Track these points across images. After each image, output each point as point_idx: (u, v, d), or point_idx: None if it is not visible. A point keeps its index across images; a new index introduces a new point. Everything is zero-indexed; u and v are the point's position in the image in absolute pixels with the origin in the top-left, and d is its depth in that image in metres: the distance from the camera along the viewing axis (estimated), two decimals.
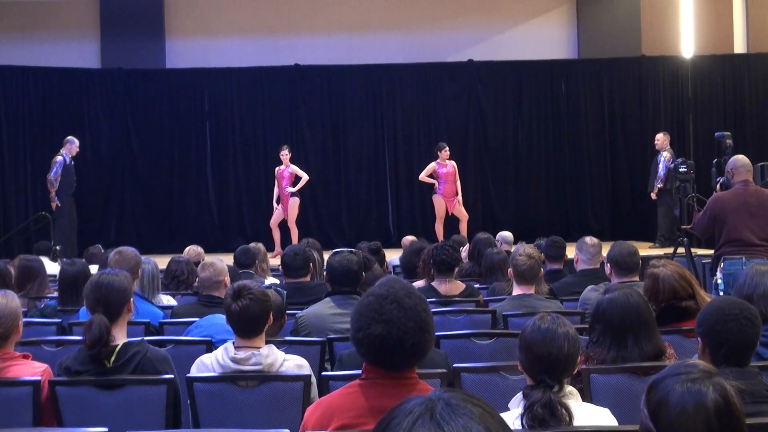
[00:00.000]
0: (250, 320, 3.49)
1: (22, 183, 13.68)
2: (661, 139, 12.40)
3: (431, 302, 4.75)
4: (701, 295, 4.19)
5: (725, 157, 7.34)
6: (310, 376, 3.55)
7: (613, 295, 3.42)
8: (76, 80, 14.02)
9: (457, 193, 12.39)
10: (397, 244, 11.40)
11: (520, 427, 2.61)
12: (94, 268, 5.64)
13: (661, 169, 12.06)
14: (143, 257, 5.43)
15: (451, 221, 12.58)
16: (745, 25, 14.73)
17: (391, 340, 2.48)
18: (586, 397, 3.24)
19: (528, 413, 2.61)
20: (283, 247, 11.30)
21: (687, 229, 8.30)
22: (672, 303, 4.12)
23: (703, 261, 8.35)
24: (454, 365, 3.68)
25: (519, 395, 2.74)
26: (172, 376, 3.51)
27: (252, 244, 7.60)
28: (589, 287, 5.28)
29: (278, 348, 3.62)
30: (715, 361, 2.87)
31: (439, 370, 3.48)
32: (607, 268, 5.19)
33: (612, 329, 3.39)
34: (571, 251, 6.44)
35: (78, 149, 12.05)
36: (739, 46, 14.89)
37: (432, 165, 12.42)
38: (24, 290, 5.67)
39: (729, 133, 8.11)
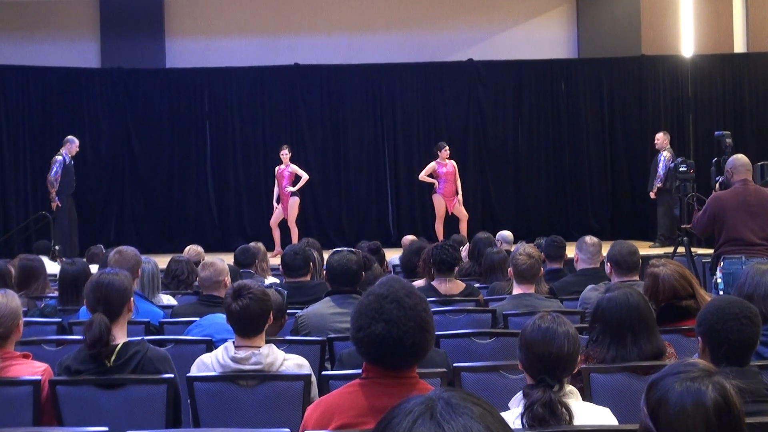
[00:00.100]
0: (250, 320, 3.49)
1: (22, 183, 13.68)
2: (661, 138, 12.40)
3: (431, 302, 4.75)
4: (701, 294, 4.19)
5: (725, 156, 7.35)
6: (310, 375, 3.55)
7: (613, 295, 3.42)
8: (76, 80, 14.02)
9: (457, 193, 12.40)
10: (397, 244, 11.41)
11: (521, 427, 2.61)
12: (94, 268, 5.64)
13: (661, 168, 12.06)
14: (143, 257, 5.43)
15: (451, 221, 12.58)
16: (745, 24, 14.74)
17: (391, 339, 2.48)
18: (586, 396, 3.24)
19: (528, 412, 2.61)
20: (283, 246, 11.30)
21: (687, 229, 8.30)
22: (672, 302, 4.12)
23: (703, 260, 8.35)
24: (454, 364, 3.68)
25: (519, 394, 2.74)
26: (173, 375, 3.51)
27: (252, 244, 7.60)
28: (589, 286, 5.28)
29: (278, 347, 3.62)
30: (715, 361, 2.87)
31: (439, 370, 3.49)
32: (607, 267, 5.19)
33: (611, 329, 3.39)
34: (571, 251, 6.44)
35: (78, 149, 12.05)
36: (739, 46, 14.90)
37: (432, 164, 12.43)
38: (24, 290, 5.67)
39: (728, 132, 8.11)
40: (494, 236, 8.54)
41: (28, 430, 3.33)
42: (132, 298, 3.74)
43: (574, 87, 14.73)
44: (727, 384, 1.99)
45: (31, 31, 14.19)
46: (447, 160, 12.37)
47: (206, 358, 3.59)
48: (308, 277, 5.66)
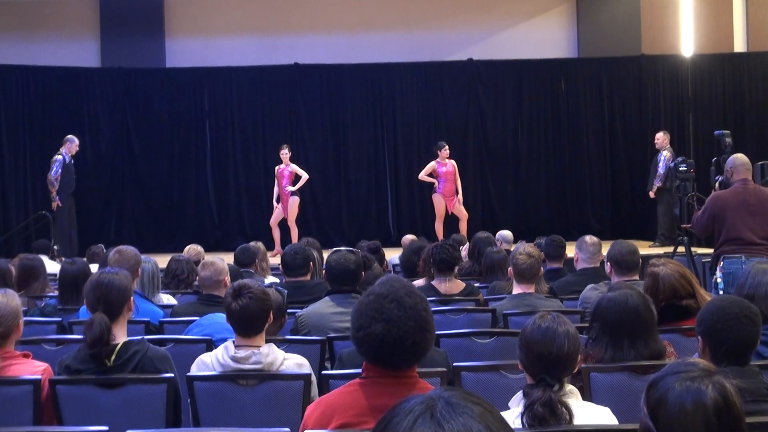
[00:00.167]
0: (250, 319, 3.49)
1: (22, 182, 13.67)
2: (660, 138, 12.40)
3: (431, 301, 4.76)
4: (701, 293, 4.19)
5: (724, 155, 7.34)
6: (310, 374, 3.55)
7: (613, 295, 3.40)
8: (76, 79, 14.02)
9: (457, 192, 12.40)
10: (396, 243, 11.40)
11: (521, 426, 2.61)
12: (94, 268, 5.64)
13: (661, 168, 12.07)
14: (143, 256, 5.43)
15: (451, 220, 12.58)
16: (745, 23, 14.74)
17: (391, 339, 2.48)
18: (586, 395, 3.24)
19: (528, 412, 2.61)
20: (282, 246, 11.30)
21: (687, 228, 8.30)
22: (672, 302, 4.12)
23: (703, 260, 8.35)
24: (455, 364, 3.68)
25: (519, 394, 2.74)
26: (173, 374, 3.51)
27: (252, 243, 7.59)
28: (589, 286, 5.28)
29: (278, 347, 3.62)
30: (716, 360, 2.86)
31: (439, 369, 3.49)
32: (607, 267, 5.19)
33: (608, 329, 3.38)
34: (571, 250, 6.44)
35: (78, 148, 12.05)
36: (739, 45, 14.90)
37: (432, 164, 12.43)
38: (24, 289, 5.67)
39: (728, 132, 8.10)
40: (494, 236, 8.53)
41: (28, 429, 3.33)
42: (132, 298, 3.74)
43: (574, 87, 14.73)
44: (727, 384, 1.99)
45: (30, 31, 14.19)
46: (447, 160, 12.37)
47: (206, 357, 3.59)
48: (308, 277, 5.66)
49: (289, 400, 3.46)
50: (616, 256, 5.09)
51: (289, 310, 4.61)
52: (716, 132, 8.21)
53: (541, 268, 5.43)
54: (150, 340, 3.75)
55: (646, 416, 2.01)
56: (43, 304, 5.43)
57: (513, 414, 2.66)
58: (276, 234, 12.56)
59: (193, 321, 4.61)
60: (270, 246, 10.98)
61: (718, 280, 6.37)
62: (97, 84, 14.11)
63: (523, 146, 14.75)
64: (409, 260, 6.71)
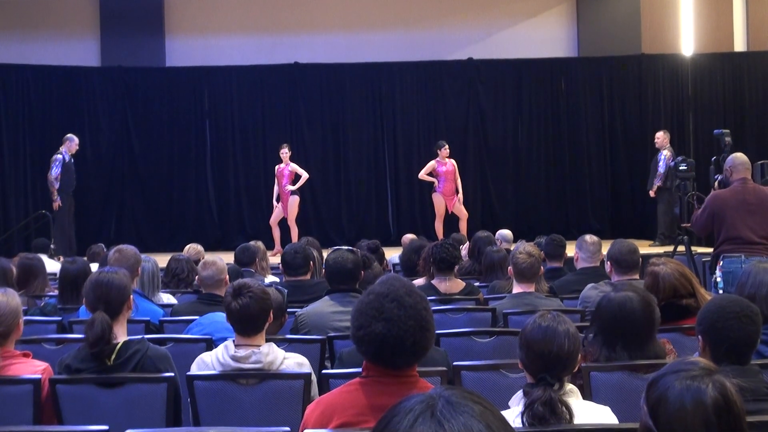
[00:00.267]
0: (250, 318, 3.49)
1: (22, 181, 13.67)
2: (660, 137, 12.41)
3: (431, 300, 4.76)
4: (701, 293, 4.19)
5: (724, 154, 7.34)
6: (310, 374, 3.55)
7: (613, 296, 3.37)
8: (76, 78, 14.02)
9: (457, 192, 12.41)
10: (396, 243, 11.40)
11: (521, 425, 2.61)
12: (95, 267, 5.64)
13: (661, 167, 12.07)
14: (143, 255, 5.43)
15: (451, 220, 12.58)
16: (745, 23, 14.74)
17: (391, 338, 2.48)
18: (587, 394, 3.24)
19: (528, 411, 2.61)
20: (282, 245, 11.31)
21: (687, 227, 8.30)
22: (672, 301, 4.11)
23: (703, 259, 8.34)
24: (455, 363, 3.68)
25: (519, 393, 2.74)
26: (173, 374, 3.51)
27: (252, 243, 7.59)
28: (589, 285, 5.28)
29: (278, 346, 3.62)
30: (716, 359, 2.86)
31: (439, 368, 3.48)
32: (607, 266, 5.19)
33: (604, 330, 3.38)
34: (571, 249, 6.44)
35: (77, 147, 12.04)
36: (739, 45, 14.90)
37: (432, 163, 12.43)
38: (24, 288, 5.66)
39: (728, 131, 8.10)
40: (494, 235, 8.53)
41: (28, 428, 3.33)
42: (131, 296, 3.74)
43: (574, 86, 14.73)
44: (728, 383, 1.98)
45: (30, 30, 14.19)
46: (447, 159, 12.38)
47: (206, 356, 3.59)
48: (308, 276, 5.66)
49: (290, 400, 3.46)
50: (616, 255, 5.08)
51: (289, 310, 4.61)
52: (716, 131, 8.21)
53: (541, 267, 5.43)
54: (150, 340, 3.75)
55: (646, 415, 2.01)
56: (43, 304, 5.43)
57: (513, 413, 2.66)
58: (276, 233, 12.56)
59: (193, 320, 4.61)
60: (270, 245, 10.99)
61: (718, 279, 6.36)
62: (97, 83, 14.11)
63: (523, 145, 14.76)
64: (409, 259, 6.70)
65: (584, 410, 2.73)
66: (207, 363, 3.54)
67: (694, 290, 4.16)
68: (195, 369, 3.56)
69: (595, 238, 6.03)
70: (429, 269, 5.70)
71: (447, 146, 12.42)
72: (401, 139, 14.60)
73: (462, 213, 12.49)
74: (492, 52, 14.61)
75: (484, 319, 5.12)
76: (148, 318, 4.84)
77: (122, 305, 3.64)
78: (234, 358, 3.46)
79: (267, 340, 3.59)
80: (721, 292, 6.12)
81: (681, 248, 8.57)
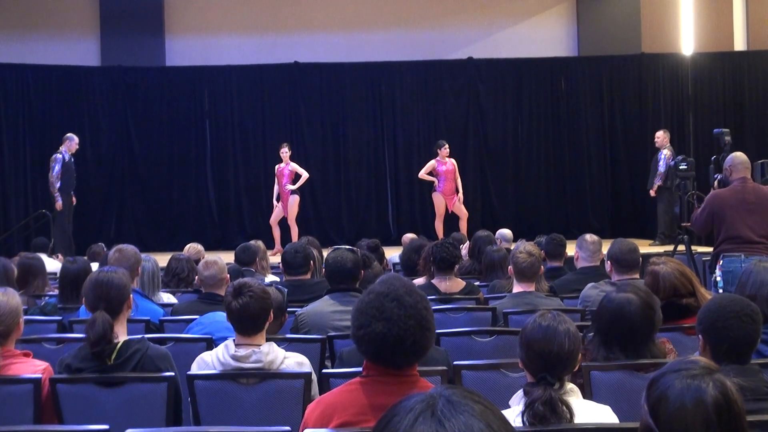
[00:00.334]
0: (251, 318, 3.49)
1: (22, 181, 13.68)
2: (661, 136, 12.41)
3: (431, 300, 4.75)
4: (701, 292, 4.18)
5: (723, 153, 7.33)
6: (310, 373, 3.55)
7: (613, 296, 3.35)
8: (76, 78, 14.02)
9: (457, 191, 12.41)
10: (396, 242, 11.41)
11: (521, 425, 2.61)
12: (95, 266, 5.64)
13: (662, 166, 12.07)
14: (143, 255, 5.43)
15: (451, 219, 12.58)
16: (745, 22, 14.73)
17: (391, 337, 2.48)
18: (587, 394, 3.23)
19: (529, 410, 2.61)
20: (282, 244, 11.31)
21: (687, 227, 8.29)
22: (672, 300, 4.11)
23: (704, 258, 8.34)
24: (455, 363, 3.68)
25: (520, 392, 2.74)
26: (173, 373, 3.51)
27: (252, 242, 7.59)
28: (590, 285, 5.27)
29: (279, 345, 3.62)
30: (716, 358, 2.86)
31: (439, 368, 3.48)
32: (608, 265, 5.19)
33: (601, 330, 3.38)
34: (571, 249, 6.44)
35: (77, 146, 12.01)
36: (739, 44, 14.90)
37: (431, 163, 12.44)
38: (24, 288, 5.67)
39: (727, 130, 8.09)
40: (494, 234, 8.53)
41: (28, 428, 3.33)
42: (131, 295, 3.74)
43: (574, 85, 14.73)
44: (728, 382, 1.98)
45: (30, 30, 14.19)
46: (447, 159, 12.38)
47: (207, 356, 3.60)
48: (308, 276, 5.66)
49: (290, 399, 3.46)
50: (616, 254, 5.08)
51: (289, 309, 4.61)
52: (715, 130, 8.20)
53: (542, 266, 5.43)
54: (150, 339, 3.75)
55: (646, 414, 2.01)
56: (43, 303, 5.43)
57: (513, 412, 2.66)
58: (276, 233, 12.56)
59: (193, 320, 4.61)
60: (270, 245, 10.99)
61: (718, 278, 6.36)
62: (96, 83, 14.11)
63: (523, 145, 14.76)
64: (409, 259, 6.70)
65: (585, 410, 2.73)
66: (207, 362, 3.54)
67: (694, 289, 4.16)
68: (195, 368, 3.56)
69: (595, 237, 6.03)
70: (429, 269, 5.70)
71: (447, 146, 12.42)
72: (401, 139, 14.60)
73: (462, 212, 12.49)
74: (492, 51, 14.62)
75: (485, 319, 5.12)
76: (148, 317, 4.83)
77: (122, 304, 3.64)
78: (234, 358, 3.46)
79: (267, 340, 3.59)
80: (720, 291, 6.12)
81: (681, 247, 8.57)
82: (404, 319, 2.48)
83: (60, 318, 5.03)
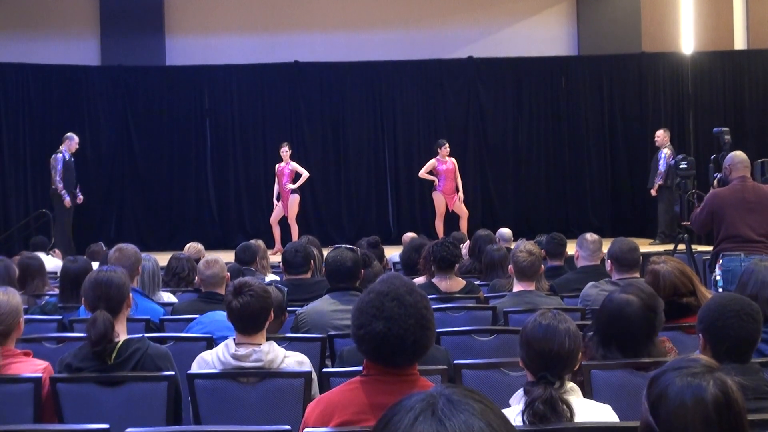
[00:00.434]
0: (251, 317, 3.49)
1: (22, 180, 13.68)
2: (661, 135, 12.40)
3: (432, 299, 4.75)
4: (702, 291, 4.18)
5: (723, 152, 7.32)
6: (311, 372, 3.55)
7: (615, 296, 3.35)
8: (76, 77, 14.02)
9: (457, 190, 12.41)
10: (397, 241, 11.40)
11: (521, 424, 2.61)
12: (95, 266, 5.63)
13: (662, 165, 12.07)
14: (143, 254, 5.43)
15: (451, 218, 12.58)
16: (746, 21, 14.73)
17: (392, 337, 2.48)
18: (587, 393, 3.23)
19: (529, 409, 2.61)
20: (283, 244, 11.31)
21: (687, 226, 8.29)
22: (673, 299, 4.11)
23: (704, 257, 8.33)
24: (455, 362, 3.69)
25: (520, 391, 2.74)
26: (173, 372, 3.51)
27: (252, 241, 7.59)
28: (590, 284, 5.27)
29: (279, 345, 3.62)
30: (717, 357, 2.86)
31: (439, 367, 3.48)
32: (608, 264, 5.19)
33: (600, 329, 3.38)
34: (571, 248, 6.44)
35: (77, 146, 12.00)
36: (740, 43, 14.90)
37: (432, 162, 12.44)
38: (24, 287, 5.67)
39: (727, 129, 8.08)
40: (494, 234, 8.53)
41: (29, 427, 3.33)
42: (130, 294, 3.74)
43: (574, 84, 14.73)
44: (729, 380, 1.98)
45: (31, 29, 14.18)
46: (447, 158, 12.38)
47: (207, 355, 3.60)
48: (309, 275, 5.66)
49: (290, 398, 3.46)
50: (616, 253, 5.08)
51: (289, 308, 4.62)
52: (715, 129, 8.19)
53: (542, 265, 5.43)
54: (150, 338, 3.75)
55: (646, 411, 2.01)
56: (43, 302, 5.43)
57: (514, 411, 2.66)
58: (276, 232, 12.57)
59: (193, 319, 4.61)
60: (270, 244, 11.00)
61: (718, 277, 6.36)
62: (97, 82, 14.11)
63: (524, 144, 14.76)
64: (409, 258, 6.70)
65: (585, 408, 2.73)
66: (207, 361, 3.54)
67: (694, 288, 4.15)
68: (195, 367, 3.56)
69: (595, 236, 6.03)
70: (429, 268, 5.70)
71: (447, 145, 12.42)
72: (401, 138, 14.60)
73: (462, 211, 12.49)
74: (492, 50, 14.61)
75: (485, 318, 5.12)
76: (148, 317, 4.83)
77: (122, 303, 3.64)
78: (234, 357, 3.46)
79: (267, 339, 3.59)
80: (720, 290, 6.12)
81: (681, 246, 8.56)
82: (404, 319, 2.48)
83: (60, 317, 5.03)
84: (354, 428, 2.49)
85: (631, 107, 14.71)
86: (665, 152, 12.13)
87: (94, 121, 14.08)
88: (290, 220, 12.47)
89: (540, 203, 14.62)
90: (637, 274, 5.05)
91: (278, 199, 12.59)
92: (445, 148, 12.36)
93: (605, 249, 5.56)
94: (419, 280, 5.76)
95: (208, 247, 9.93)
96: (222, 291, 4.91)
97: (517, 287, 5.19)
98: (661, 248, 10.40)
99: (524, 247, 5.21)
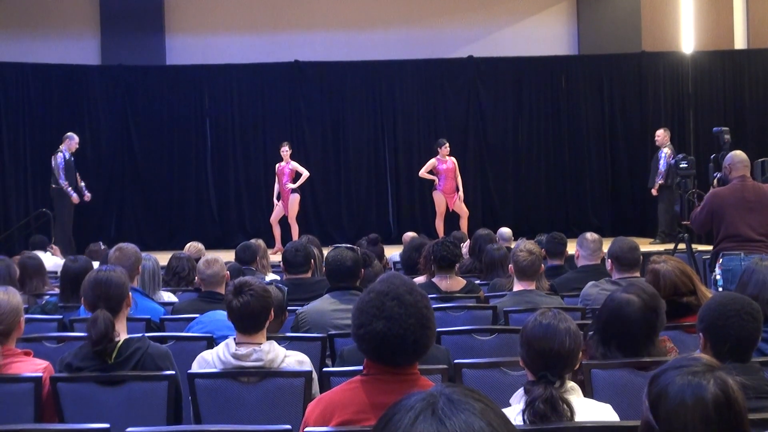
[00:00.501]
0: (251, 316, 3.49)
1: (22, 180, 13.67)
2: (661, 135, 12.40)
3: (432, 298, 4.75)
4: (702, 290, 4.18)
5: (723, 152, 7.32)
6: (311, 372, 3.55)
7: (616, 296, 3.35)
8: (77, 77, 14.02)
9: (457, 189, 12.41)
10: (397, 241, 11.41)
11: (522, 423, 2.61)
12: (96, 265, 5.63)
13: (662, 165, 12.06)
14: (144, 254, 5.43)
15: (452, 218, 12.58)
16: (746, 20, 14.73)
17: (392, 336, 2.48)
18: (588, 392, 3.23)
19: (529, 409, 2.62)
20: (283, 243, 11.30)
21: (687, 225, 8.29)
22: (673, 299, 4.10)
23: (704, 257, 8.34)
24: (456, 361, 3.69)
25: (520, 391, 2.74)
26: (174, 372, 3.51)
27: (252, 241, 7.59)
28: (590, 283, 5.27)
29: (279, 344, 3.62)
30: (717, 357, 2.86)
31: (440, 366, 3.48)
32: (608, 263, 5.19)
33: (600, 328, 3.38)
34: (571, 247, 6.44)
35: (77, 145, 12.00)
36: (740, 42, 14.89)
37: (432, 161, 12.43)
38: (25, 287, 5.67)
39: (726, 128, 8.08)
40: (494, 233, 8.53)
41: (29, 426, 3.33)
42: (129, 294, 3.74)
43: (574, 84, 14.73)
44: (730, 380, 1.97)
45: (31, 29, 14.18)
46: (447, 157, 12.37)
47: (207, 354, 3.60)
48: (309, 274, 5.66)
49: (290, 398, 3.46)
50: (616, 252, 5.08)
51: (289, 308, 4.62)
52: (714, 129, 8.19)
53: (542, 265, 5.43)
54: (151, 338, 3.75)
55: (647, 409, 2.01)
56: (43, 302, 5.44)
57: (514, 411, 2.66)
58: (276, 231, 12.57)
59: (193, 318, 4.61)
60: (270, 243, 10.99)
61: (717, 277, 6.36)
62: (97, 81, 14.11)
63: (524, 143, 14.76)
64: (409, 257, 6.69)
65: (585, 408, 2.73)
66: (208, 361, 3.54)
67: (694, 288, 4.15)
68: (196, 367, 3.56)
69: (595, 235, 6.03)
70: (430, 267, 5.70)
71: (447, 144, 12.42)
72: (401, 137, 14.60)
73: (462, 211, 12.49)
74: (492, 50, 14.61)
75: (485, 317, 5.12)
76: (148, 316, 4.83)
77: (121, 303, 3.64)
78: (235, 356, 3.46)
79: (268, 338, 3.59)
80: (720, 289, 6.12)
81: (682, 246, 8.56)
82: (405, 318, 2.48)
83: (61, 317, 5.03)
84: (354, 428, 2.49)
85: (631, 107, 14.71)
86: (665, 152, 12.13)
87: (94, 120, 14.08)
88: (290, 220, 12.47)
89: (540, 202, 14.62)
90: (638, 274, 5.05)
91: (278, 199, 12.59)
92: (446, 148, 12.35)
93: (605, 248, 5.56)
94: (419, 279, 5.76)
95: (209, 246, 9.93)
96: (222, 290, 4.91)
97: (517, 287, 5.19)
98: (661, 248, 10.40)
99: (524, 246, 5.21)
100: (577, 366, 2.86)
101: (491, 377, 3.64)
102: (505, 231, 9.30)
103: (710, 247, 7.66)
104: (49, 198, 12.07)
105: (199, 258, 6.33)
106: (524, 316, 4.19)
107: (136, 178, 14.27)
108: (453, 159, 12.44)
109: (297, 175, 12.45)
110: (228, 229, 14.26)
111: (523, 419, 2.62)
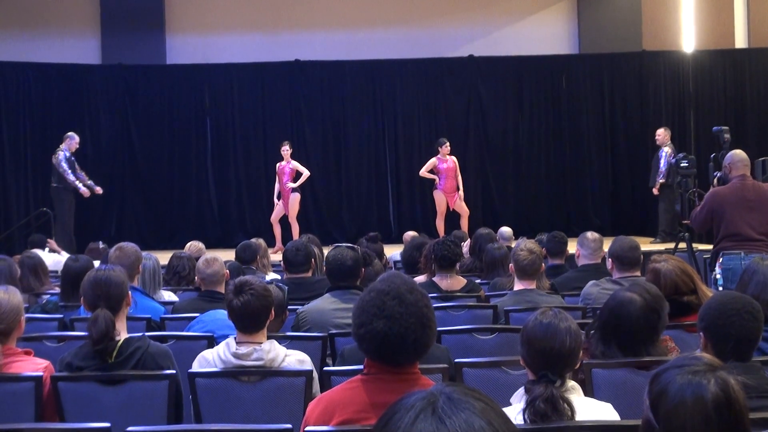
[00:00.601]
0: (252, 315, 3.49)
1: (23, 179, 13.67)
2: (661, 134, 12.39)
3: (432, 297, 4.75)
4: (703, 290, 4.18)
5: (723, 151, 7.32)
6: (312, 371, 3.55)
7: (618, 294, 3.35)
8: (77, 76, 14.02)
9: (458, 189, 12.41)
10: (397, 240, 11.42)
11: (522, 422, 2.61)
12: (96, 265, 5.64)
13: (663, 164, 12.06)
14: (144, 253, 5.43)
15: (452, 217, 12.58)
16: (746, 19, 14.72)
17: (392, 335, 2.48)
18: (588, 391, 3.23)
19: (530, 408, 2.61)
20: (283, 242, 11.30)
21: (688, 224, 8.29)
22: (673, 298, 4.10)
23: (704, 256, 8.33)
24: (456, 360, 3.68)
25: (521, 390, 2.74)
26: (174, 371, 3.51)
27: (253, 240, 7.60)
28: (591, 282, 5.27)
29: (280, 343, 3.62)
30: (718, 356, 2.85)
31: (440, 365, 3.48)
32: (609, 263, 5.19)
33: (601, 327, 3.38)
34: (572, 246, 6.44)
35: (78, 145, 11.98)
36: (740, 41, 14.89)
37: (432, 160, 12.43)
38: (25, 286, 5.67)
39: (726, 127, 8.08)
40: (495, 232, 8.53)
41: (30, 426, 3.33)
42: (129, 293, 3.74)
43: (574, 83, 14.73)
44: (731, 379, 1.97)
45: (31, 28, 14.18)
46: (448, 156, 12.38)
47: (208, 354, 3.60)
48: (309, 273, 5.66)
49: (291, 397, 3.46)
50: (617, 252, 5.08)
51: (290, 307, 4.62)
52: (714, 128, 8.19)
53: (543, 264, 5.42)
54: (151, 337, 3.75)
55: (647, 408, 2.01)
56: (44, 301, 5.44)
57: (515, 410, 2.66)
58: (277, 231, 12.57)
59: (194, 318, 4.61)
60: (271, 243, 11.00)
61: (718, 276, 6.36)
62: (97, 81, 14.11)
63: (524, 143, 14.76)
64: (410, 257, 6.69)
65: (586, 407, 2.73)
66: (208, 360, 3.54)
67: (695, 287, 4.15)
68: (196, 366, 3.56)
69: (596, 235, 6.04)
70: (430, 266, 5.70)
71: (448, 143, 12.42)
72: (402, 137, 14.60)
73: (463, 210, 12.49)
74: (493, 49, 14.61)
75: (486, 316, 5.12)
76: (149, 315, 4.83)
77: (121, 302, 3.64)
78: (235, 356, 3.46)
79: (268, 338, 3.59)
80: (720, 288, 6.12)
81: (682, 245, 8.56)
82: (405, 317, 2.48)
83: (61, 316, 5.03)
84: (355, 427, 2.49)
85: (631, 106, 14.71)
86: (666, 151, 12.13)
87: (95, 120, 14.08)
88: (291, 219, 12.47)
89: (541, 202, 14.62)
90: (638, 273, 5.05)
91: (279, 198, 12.59)
92: (446, 147, 12.35)
93: (606, 247, 5.56)
94: (420, 278, 5.76)
95: (209, 245, 9.93)
96: (222, 289, 4.91)
97: (517, 286, 5.19)
98: (661, 247, 10.41)
99: (525, 245, 5.21)
100: (578, 365, 2.86)
101: (492, 376, 3.64)
102: (506, 230, 9.30)
103: (711, 247, 7.66)
104: (49, 197, 12.06)
105: (200, 257, 6.33)
106: (525, 316, 4.20)
107: (137, 178, 14.27)
108: (453, 158, 12.45)
109: (297, 175, 12.45)
110: (228, 229, 14.26)
111: (524, 418, 2.62)
